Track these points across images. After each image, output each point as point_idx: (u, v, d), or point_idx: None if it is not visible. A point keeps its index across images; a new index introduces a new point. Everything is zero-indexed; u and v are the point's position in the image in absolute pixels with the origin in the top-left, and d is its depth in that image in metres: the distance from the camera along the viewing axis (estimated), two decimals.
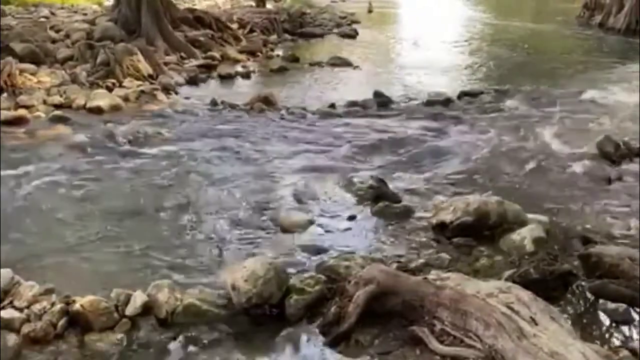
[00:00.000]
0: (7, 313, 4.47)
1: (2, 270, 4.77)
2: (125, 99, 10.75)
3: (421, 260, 5.41)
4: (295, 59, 14.88)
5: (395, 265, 5.22)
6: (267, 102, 10.66)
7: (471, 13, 24.23)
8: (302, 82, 13.10)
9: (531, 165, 8.04)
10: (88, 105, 10.22)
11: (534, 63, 14.95)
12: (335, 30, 19.52)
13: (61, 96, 10.64)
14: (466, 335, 4.10)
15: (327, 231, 6.18)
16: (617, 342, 4.48)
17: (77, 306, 4.47)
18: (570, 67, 14.55)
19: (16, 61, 11.56)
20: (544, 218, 6.12)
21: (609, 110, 10.60)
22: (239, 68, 13.92)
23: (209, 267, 5.48)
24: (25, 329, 4.35)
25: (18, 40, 13.46)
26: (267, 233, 6.16)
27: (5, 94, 10.34)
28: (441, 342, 4.12)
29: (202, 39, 15.28)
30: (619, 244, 5.74)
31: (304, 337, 4.47)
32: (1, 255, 5.27)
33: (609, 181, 7.46)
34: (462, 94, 11.52)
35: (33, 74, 11.59)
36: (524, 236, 5.68)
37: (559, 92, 11.79)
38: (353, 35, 18.85)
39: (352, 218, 6.47)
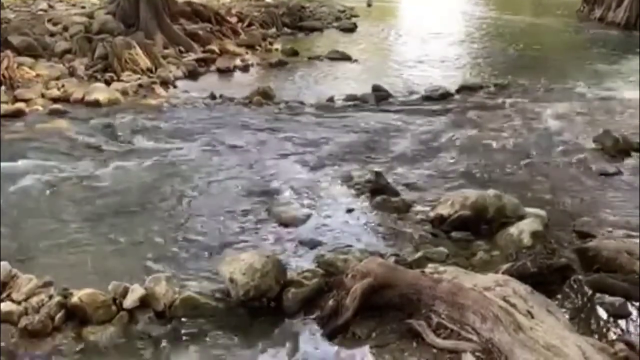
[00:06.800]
0: (5, 306, 4.47)
1: (0, 263, 4.76)
2: (124, 92, 10.72)
3: (419, 254, 5.42)
4: (294, 53, 14.83)
5: (392, 258, 5.23)
6: (266, 95, 10.66)
7: (471, 7, 24.13)
8: (301, 76, 13.06)
9: (529, 159, 8.04)
10: (86, 99, 10.20)
11: (533, 57, 14.90)
12: (335, 24, 19.43)
13: (59, 90, 10.61)
14: (463, 328, 4.11)
15: (324, 224, 6.18)
16: (613, 335, 4.50)
17: (75, 299, 4.48)
18: (569, 61, 14.52)
19: (14, 54, 11.53)
20: (542, 212, 6.12)
21: (607, 104, 10.59)
22: (237, 62, 13.84)
23: (207, 260, 5.48)
24: (23, 322, 4.36)
25: (16, 33, 13.39)
26: (265, 226, 6.16)
27: (3, 88, 10.31)
28: (438, 335, 4.14)
29: (200, 32, 15.21)
30: (617, 237, 5.75)
31: (301, 330, 4.48)
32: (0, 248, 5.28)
33: (607, 176, 7.46)
34: (461, 88, 11.50)
35: (31, 68, 11.53)
36: (522, 230, 5.69)
37: (558, 86, 11.77)
38: (352, 29, 18.76)
39: (350, 211, 6.47)
